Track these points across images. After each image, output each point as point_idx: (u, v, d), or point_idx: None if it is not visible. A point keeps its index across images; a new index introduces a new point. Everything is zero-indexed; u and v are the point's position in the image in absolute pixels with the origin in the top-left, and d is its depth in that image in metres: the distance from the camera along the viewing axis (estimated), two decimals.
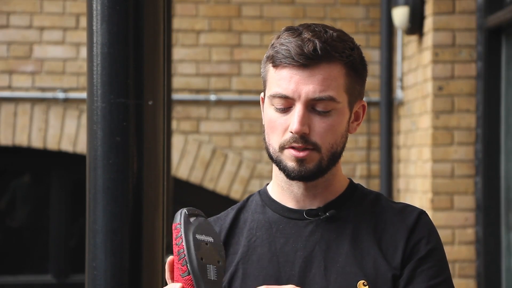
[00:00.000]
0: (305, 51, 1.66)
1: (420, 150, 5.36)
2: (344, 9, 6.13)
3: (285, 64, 1.68)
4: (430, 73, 5.13)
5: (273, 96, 1.70)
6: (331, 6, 6.12)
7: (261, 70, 1.76)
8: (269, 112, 1.72)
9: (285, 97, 1.68)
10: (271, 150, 1.72)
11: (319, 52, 1.66)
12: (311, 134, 1.68)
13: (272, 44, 1.72)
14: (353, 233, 1.72)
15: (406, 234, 1.71)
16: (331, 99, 1.67)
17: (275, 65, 1.70)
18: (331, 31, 1.70)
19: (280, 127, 1.70)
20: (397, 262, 1.70)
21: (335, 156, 1.72)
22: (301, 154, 1.68)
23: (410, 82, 5.70)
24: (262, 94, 1.78)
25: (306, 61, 1.66)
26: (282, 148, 1.70)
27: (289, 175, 1.70)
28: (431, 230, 1.74)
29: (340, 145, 1.72)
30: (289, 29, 1.71)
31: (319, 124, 1.68)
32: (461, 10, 5.11)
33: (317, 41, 1.67)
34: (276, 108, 1.70)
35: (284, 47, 1.68)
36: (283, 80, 1.68)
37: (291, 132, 1.67)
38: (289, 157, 1.69)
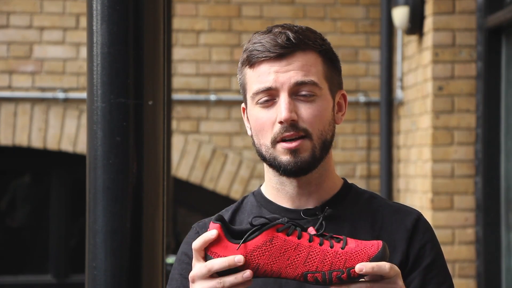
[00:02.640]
0: (279, 41, 1.68)
1: (420, 150, 5.36)
2: (344, 9, 6.13)
3: (262, 59, 1.69)
4: (430, 73, 5.13)
5: (256, 93, 1.70)
6: (331, 6, 6.12)
7: (238, 78, 1.77)
8: (254, 113, 1.72)
9: (268, 90, 1.69)
10: (263, 149, 1.72)
11: (293, 40, 1.69)
12: (299, 121, 1.68)
13: (245, 49, 1.73)
14: (351, 231, 1.73)
15: (406, 235, 1.73)
16: (313, 83, 1.69)
17: (252, 64, 1.71)
18: (299, 26, 1.74)
19: (268, 122, 1.70)
20: (396, 262, 1.70)
21: (326, 145, 1.72)
22: (293, 144, 1.68)
23: (410, 82, 5.70)
24: (243, 105, 1.79)
25: (282, 50, 1.68)
26: (274, 142, 1.69)
27: (286, 169, 1.70)
28: (433, 234, 1.77)
29: (329, 133, 1.73)
30: (258, 31, 1.74)
31: (305, 110, 1.69)
32: (461, 10, 5.11)
33: (289, 32, 1.70)
34: (261, 105, 1.70)
35: (258, 44, 1.70)
36: (262, 75, 1.69)
37: (280, 123, 1.67)
38: (282, 152, 1.69)
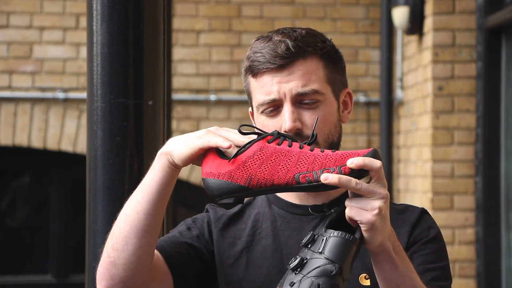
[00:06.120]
0: (279, 52, 1.70)
1: (420, 150, 5.36)
2: (344, 9, 6.13)
3: (264, 70, 1.72)
4: (430, 73, 5.13)
5: (261, 104, 1.73)
6: (331, 6, 6.12)
7: (243, 84, 1.80)
8: (260, 121, 1.75)
9: (272, 101, 1.72)
10: None
11: (292, 50, 1.70)
12: (304, 128, 1.71)
13: (247, 56, 1.76)
14: None
15: (409, 229, 1.76)
16: (315, 92, 1.71)
17: (254, 74, 1.74)
18: (299, 30, 1.75)
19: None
20: None
21: (333, 147, 1.75)
22: None
23: (410, 82, 5.70)
24: (250, 109, 1.82)
25: (282, 61, 1.70)
26: None
27: None
28: (433, 224, 1.80)
29: (336, 135, 1.76)
30: (259, 38, 1.76)
31: (309, 117, 1.71)
32: (461, 10, 5.11)
33: (288, 41, 1.71)
34: (266, 114, 1.74)
35: (259, 54, 1.72)
36: (266, 86, 1.72)
37: (286, 132, 1.69)
38: None
